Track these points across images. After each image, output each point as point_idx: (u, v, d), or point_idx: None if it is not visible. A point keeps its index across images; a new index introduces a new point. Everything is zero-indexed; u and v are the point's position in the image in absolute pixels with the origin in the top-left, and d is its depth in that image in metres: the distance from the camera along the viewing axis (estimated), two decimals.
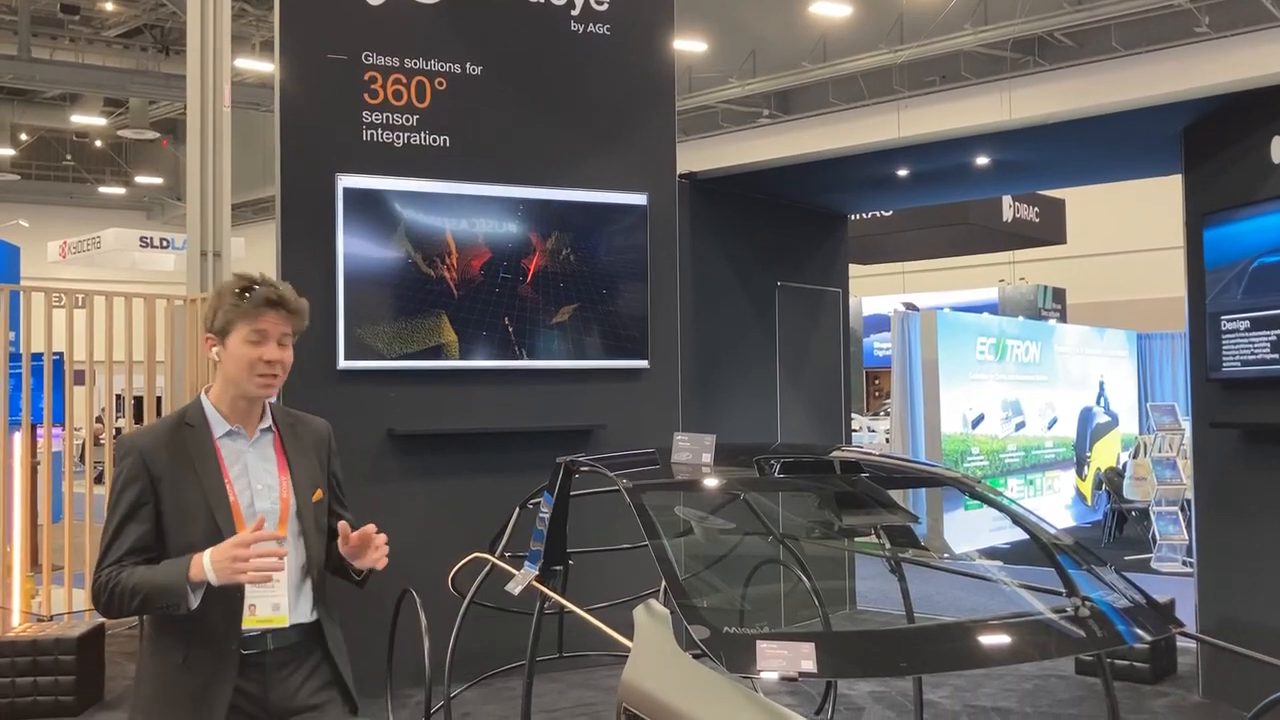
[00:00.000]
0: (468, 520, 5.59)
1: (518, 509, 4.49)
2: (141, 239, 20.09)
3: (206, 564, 2.41)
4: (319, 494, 2.71)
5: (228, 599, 2.50)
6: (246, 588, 2.50)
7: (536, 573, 3.63)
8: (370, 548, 2.62)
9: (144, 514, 2.53)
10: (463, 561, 4.45)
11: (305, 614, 2.63)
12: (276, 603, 2.56)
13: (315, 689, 2.63)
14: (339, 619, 2.72)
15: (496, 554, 4.29)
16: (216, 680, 2.51)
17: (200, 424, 2.62)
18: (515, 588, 3.69)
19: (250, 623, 2.54)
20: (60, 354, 7.82)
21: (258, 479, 2.62)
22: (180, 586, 2.43)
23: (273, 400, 2.73)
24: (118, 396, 16.74)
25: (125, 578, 2.46)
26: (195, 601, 2.44)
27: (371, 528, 2.61)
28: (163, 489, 2.54)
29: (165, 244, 19.68)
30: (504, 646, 4.95)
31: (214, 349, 2.63)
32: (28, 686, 5.65)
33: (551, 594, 3.59)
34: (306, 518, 2.66)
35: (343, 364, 6.02)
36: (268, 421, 2.69)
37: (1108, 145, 6.77)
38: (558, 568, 3.79)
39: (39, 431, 8.57)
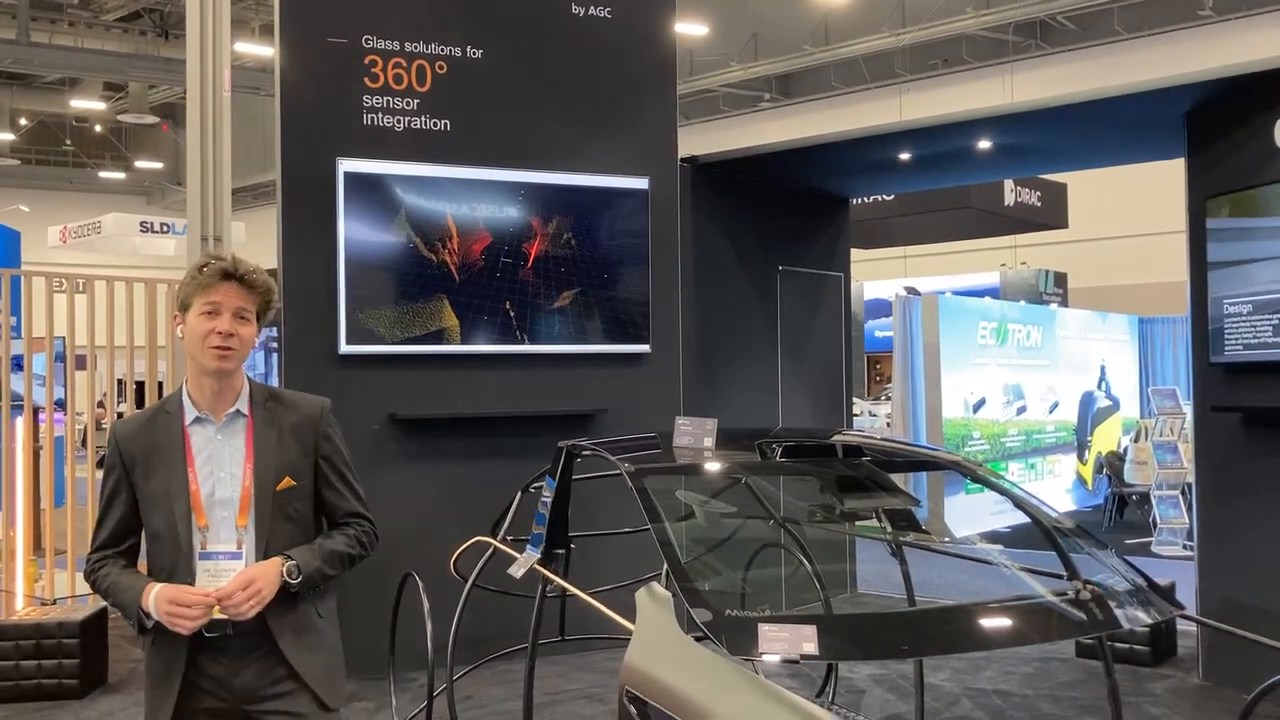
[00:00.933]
0: (470, 504, 5.60)
1: (520, 493, 4.49)
2: (142, 224, 20.07)
3: (151, 603, 2.51)
4: (287, 482, 2.65)
5: (181, 584, 2.55)
6: (198, 575, 2.55)
7: (539, 556, 3.64)
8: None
9: (120, 501, 2.62)
10: (465, 545, 4.46)
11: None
12: None
13: (274, 680, 2.62)
14: (316, 609, 2.68)
15: (498, 538, 4.30)
16: (174, 662, 2.57)
17: (175, 410, 2.64)
18: (517, 571, 3.70)
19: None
20: (61, 339, 7.82)
21: (222, 466, 2.61)
22: (133, 611, 2.55)
23: (258, 382, 2.74)
24: (119, 381, 16.75)
25: (102, 577, 2.62)
26: (149, 623, 2.54)
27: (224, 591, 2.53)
28: (135, 477, 2.60)
29: (165, 229, 19.66)
30: (506, 630, 4.96)
31: (179, 328, 2.63)
32: (31, 670, 5.67)
33: (553, 577, 3.60)
34: (265, 506, 2.62)
35: (344, 348, 6.02)
36: (241, 405, 2.66)
37: (1110, 129, 6.75)
38: (560, 551, 3.80)
39: (41, 416, 8.59)
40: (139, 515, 2.63)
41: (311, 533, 2.73)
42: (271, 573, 2.56)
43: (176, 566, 2.58)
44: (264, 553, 2.61)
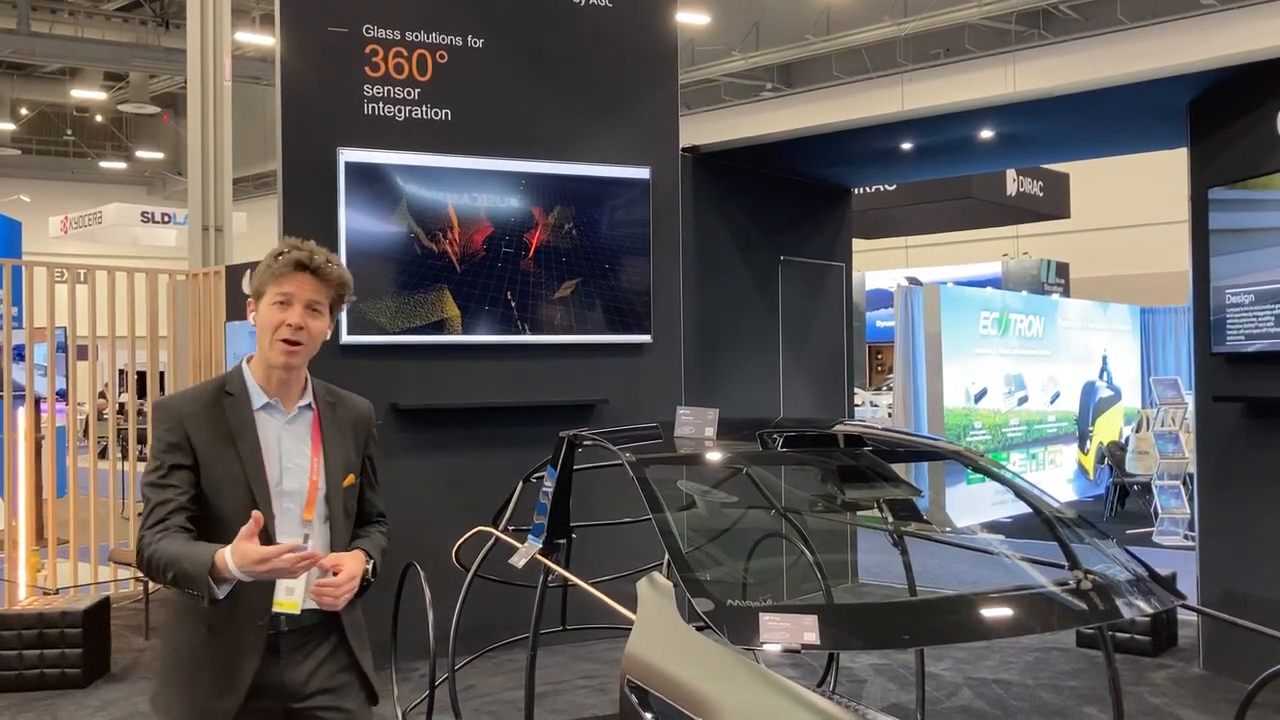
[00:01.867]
0: (471, 494, 5.61)
1: (521, 483, 4.50)
2: (143, 214, 20.04)
3: (229, 559, 2.28)
4: (350, 479, 2.63)
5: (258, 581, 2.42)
6: None
7: (540, 546, 3.64)
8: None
9: (180, 478, 2.45)
10: (466, 535, 4.46)
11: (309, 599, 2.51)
12: (291, 587, 2.48)
13: (331, 673, 2.57)
14: (360, 605, 2.63)
15: (500, 528, 4.31)
16: (241, 655, 2.46)
17: (240, 393, 2.53)
18: (519, 561, 3.70)
19: (276, 605, 2.47)
20: (63, 329, 7.82)
21: (290, 458, 2.54)
22: (204, 579, 2.32)
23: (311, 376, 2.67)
24: (120, 372, 16.75)
25: (164, 549, 2.36)
26: (222, 593, 2.35)
27: (330, 561, 2.45)
28: (202, 457, 2.47)
29: (167, 219, 19.64)
30: (508, 619, 4.98)
31: (252, 314, 2.56)
32: (34, 660, 5.69)
33: (555, 567, 3.61)
34: (334, 502, 2.58)
35: (345, 339, 6.02)
36: (308, 399, 2.61)
37: (1112, 119, 6.73)
38: (561, 541, 3.80)
39: (43, 406, 8.59)
40: (197, 498, 2.48)
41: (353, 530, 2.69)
42: (358, 564, 2.50)
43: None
44: (330, 549, 2.55)
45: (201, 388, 2.58)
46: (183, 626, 2.51)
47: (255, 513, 2.32)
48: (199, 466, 2.46)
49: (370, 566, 2.56)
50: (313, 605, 2.49)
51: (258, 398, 2.54)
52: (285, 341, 2.50)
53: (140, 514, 2.49)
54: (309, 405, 2.60)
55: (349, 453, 2.64)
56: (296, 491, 2.53)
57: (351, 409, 2.71)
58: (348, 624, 2.59)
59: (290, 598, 2.47)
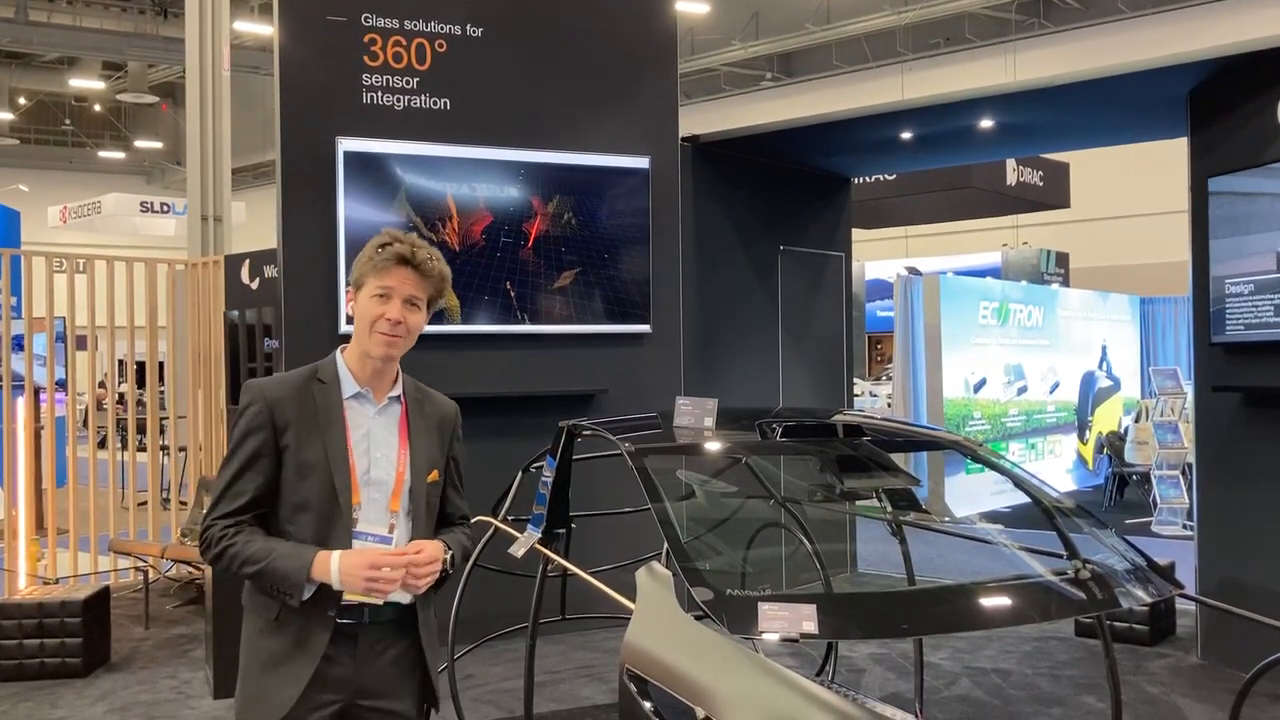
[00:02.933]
0: (470, 484, 5.59)
1: (521, 473, 4.50)
2: (142, 204, 20.03)
3: (334, 570, 2.36)
4: (434, 475, 2.61)
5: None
6: None
7: (539, 536, 3.65)
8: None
9: (262, 465, 2.44)
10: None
11: (404, 595, 2.51)
12: None
13: (400, 675, 2.53)
14: (433, 607, 2.62)
15: (500, 518, 4.31)
16: (306, 644, 2.42)
17: (332, 381, 2.53)
18: (518, 551, 3.70)
19: (350, 594, 2.44)
20: (62, 319, 7.82)
21: (378, 447, 2.52)
22: (298, 581, 2.36)
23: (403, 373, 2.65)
24: (120, 361, 16.75)
25: (242, 545, 2.39)
26: (307, 594, 2.38)
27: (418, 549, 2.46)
28: (285, 442, 2.45)
29: (166, 209, 19.63)
30: (507, 609, 4.98)
31: (350, 304, 2.58)
32: (34, 649, 5.69)
33: (554, 557, 3.61)
34: (419, 497, 2.56)
35: (345, 328, 6.01)
36: (398, 390, 2.60)
37: (1112, 108, 6.72)
38: (560, 531, 3.80)
39: (42, 396, 8.59)
40: (274, 486, 2.46)
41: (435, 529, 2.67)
42: (438, 550, 2.50)
43: (327, 540, 2.43)
44: (410, 541, 2.53)
45: (295, 373, 2.57)
46: (253, 614, 2.49)
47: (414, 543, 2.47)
48: (281, 453, 2.45)
49: (449, 557, 2.54)
50: (399, 600, 2.49)
51: (349, 386, 2.53)
52: (384, 334, 2.50)
53: (208, 491, 2.47)
54: (398, 398, 2.59)
55: (433, 450, 2.62)
56: (384, 481, 2.51)
57: (438, 407, 2.69)
58: (422, 623, 2.57)
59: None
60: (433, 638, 2.62)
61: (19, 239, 11.65)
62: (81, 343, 7.92)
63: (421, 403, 2.65)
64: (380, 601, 2.46)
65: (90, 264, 7.80)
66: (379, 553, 2.42)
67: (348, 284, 2.59)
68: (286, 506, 2.46)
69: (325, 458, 2.45)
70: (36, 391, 8.05)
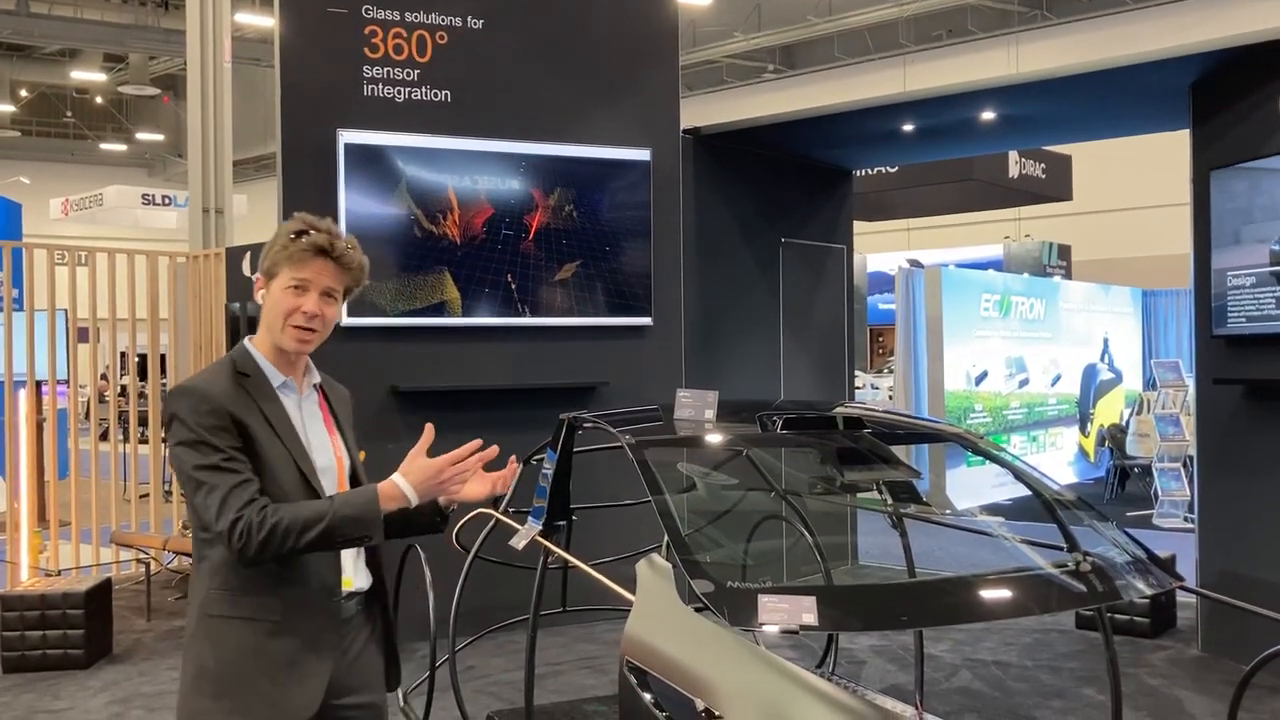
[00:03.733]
0: None
1: (521, 465, 4.50)
2: (143, 196, 20.01)
3: (406, 487, 2.30)
4: (363, 455, 2.59)
5: (326, 555, 2.34)
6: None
7: (540, 528, 3.65)
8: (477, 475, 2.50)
9: (243, 458, 2.29)
10: (467, 517, 4.46)
11: (364, 581, 2.49)
12: (343, 566, 2.44)
13: (366, 662, 2.50)
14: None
15: (500, 510, 4.31)
16: (318, 641, 2.33)
17: (256, 374, 2.40)
18: (519, 543, 3.70)
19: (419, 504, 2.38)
20: (64, 311, 7.82)
21: (314, 435, 2.45)
22: (374, 515, 2.27)
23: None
24: (121, 354, 16.76)
25: (292, 512, 2.22)
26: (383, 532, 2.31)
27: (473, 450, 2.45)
28: (249, 437, 2.31)
29: (167, 201, 19.62)
30: (508, 601, 4.99)
31: (260, 292, 2.43)
32: (36, 640, 5.70)
33: (555, 549, 3.61)
34: (359, 477, 2.53)
35: (345, 320, 6.01)
36: (315, 377, 2.54)
37: (1115, 100, 6.71)
38: (561, 523, 3.80)
39: (44, 389, 8.60)
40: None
41: None
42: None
43: (345, 548, 2.38)
44: None
45: (214, 371, 2.41)
46: (239, 624, 2.30)
47: (428, 425, 2.41)
48: (251, 449, 2.31)
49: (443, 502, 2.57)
50: (361, 587, 2.48)
51: (274, 376, 2.43)
52: (299, 328, 2.39)
53: (200, 503, 2.25)
54: (318, 384, 2.54)
55: (351, 432, 2.62)
56: (328, 469, 2.46)
57: (339, 391, 2.64)
58: (385, 601, 2.56)
59: (345, 575, 2.43)
60: (391, 612, 2.60)
61: (21, 231, 11.65)
62: (83, 335, 7.92)
63: (333, 387, 2.61)
64: (354, 585, 2.44)
65: (92, 256, 7.81)
66: (443, 457, 2.37)
67: (259, 272, 2.44)
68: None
69: (286, 451, 2.35)
70: (38, 384, 8.05)
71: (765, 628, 2.42)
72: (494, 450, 2.48)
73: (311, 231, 2.40)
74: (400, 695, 4.85)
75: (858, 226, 9.16)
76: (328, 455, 2.46)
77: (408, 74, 6.21)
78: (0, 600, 5.76)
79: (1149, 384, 12.89)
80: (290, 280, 2.37)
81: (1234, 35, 5.60)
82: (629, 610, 2.76)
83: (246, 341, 2.46)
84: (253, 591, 2.30)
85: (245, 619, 2.30)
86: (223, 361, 2.44)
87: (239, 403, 2.33)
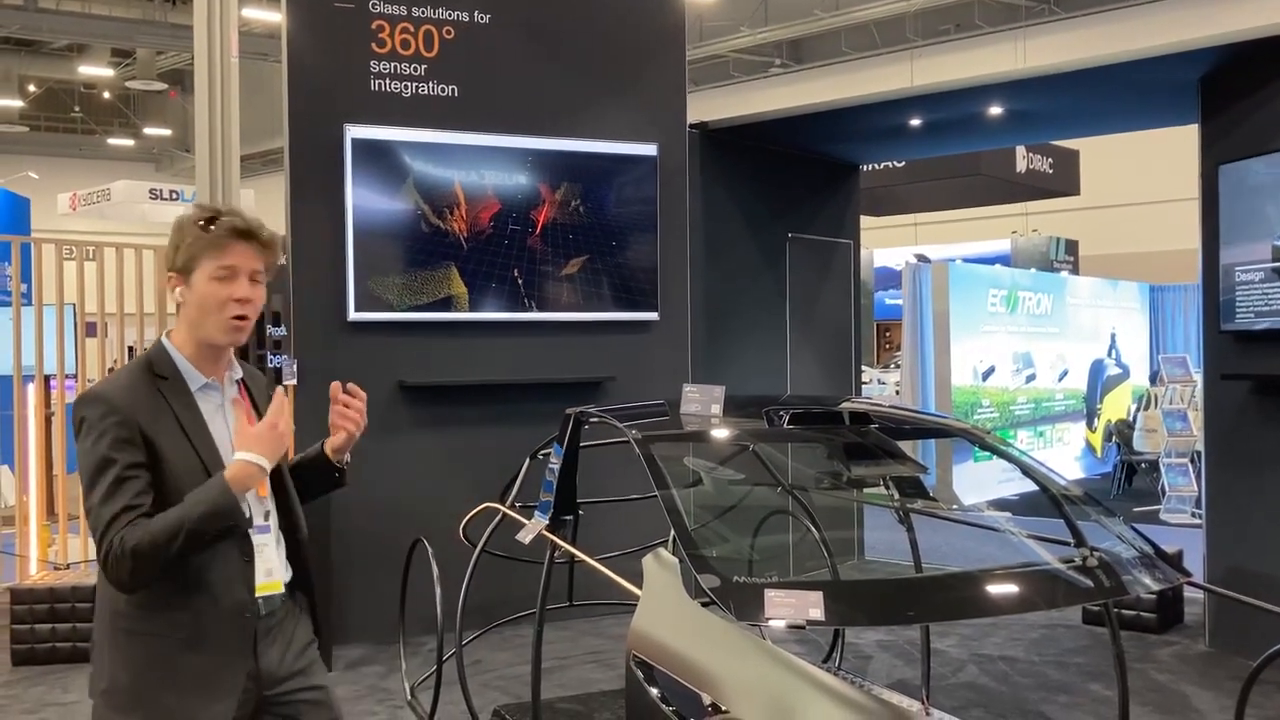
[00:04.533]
0: (478, 471, 5.62)
1: (528, 460, 4.50)
2: (151, 191, 20.03)
3: (250, 457, 2.24)
4: (289, 450, 2.52)
5: (239, 562, 2.30)
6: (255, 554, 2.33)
7: (547, 522, 3.65)
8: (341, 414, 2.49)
9: (142, 475, 2.23)
10: (474, 511, 4.48)
11: (286, 575, 2.45)
12: (270, 568, 2.39)
13: (300, 648, 2.46)
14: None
15: (507, 504, 4.32)
16: (230, 655, 2.29)
17: (174, 376, 2.33)
18: (526, 537, 3.71)
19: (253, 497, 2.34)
20: (72, 306, 7.84)
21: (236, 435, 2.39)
22: (230, 502, 2.21)
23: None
24: (130, 348, 16.80)
25: (148, 530, 2.16)
26: (248, 511, 2.27)
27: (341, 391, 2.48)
28: (156, 450, 2.25)
29: (175, 196, 19.63)
30: (514, 595, 4.99)
31: (177, 289, 2.33)
32: (45, 634, 5.73)
33: (561, 543, 3.62)
34: (283, 472, 2.48)
35: (353, 315, 6.03)
36: (238, 371, 2.46)
37: (1123, 95, 6.69)
38: (568, 517, 3.81)
39: (52, 383, 8.62)
40: (157, 495, 2.25)
41: None
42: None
43: (221, 543, 2.28)
44: (288, 520, 2.48)
45: (129, 374, 2.33)
46: (148, 639, 2.27)
47: (334, 384, 2.49)
48: (154, 461, 2.24)
49: (339, 460, 2.57)
50: (279, 579, 2.41)
51: (194, 379, 2.35)
52: (235, 318, 2.31)
53: (91, 521, 2.22)
54: (240, 378, 2.46)
55: None
56: None
57: (259, 379, 2.59)
58: (311, 588, 2.52)
59: (270, 578, 2.39)
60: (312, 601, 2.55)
61: (29, 226, 11.68)
62: (91, 329, 7.94)
63: (253, 378, 2.54)
64: (282, 585, 2.40)
65: (100, 251, 7.82)
66: (269, 419, 2.31)
67: (171, 270, 2.34)
68: None
69: (199, 459, 2.28)
70: (47, 379, 8.06)
71: (771, 622, 2.43)
72: (335, 387, 2.50)
73: (222, 215, 2.31)
74: (408, 689, 4.87)
75: (864, 221, 9.15)
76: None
77: (415, 69, 6.22)
78: (9, 594, 5.79)
79: (1156, 379, 12.86)
80: (216, 270, 2.29)
81: (1243, 29, 5.58)
82: (635, 605, 2.76)
83: (164, 339, 2.38)
84: (163, 607, 2.25)
85: (156, 634, 2.26)
86: (138, 362, 2.37)
87: (150, 409, 2.27)
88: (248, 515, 2.28)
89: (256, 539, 2.36)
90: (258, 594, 2.35)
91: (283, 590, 2.42)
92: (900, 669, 5.57)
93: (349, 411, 2.52)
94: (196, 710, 2.26)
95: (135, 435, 2.23)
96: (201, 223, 2.30)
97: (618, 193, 6.59)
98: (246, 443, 2.28)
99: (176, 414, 2.29)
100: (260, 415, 2.44)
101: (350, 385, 2.53)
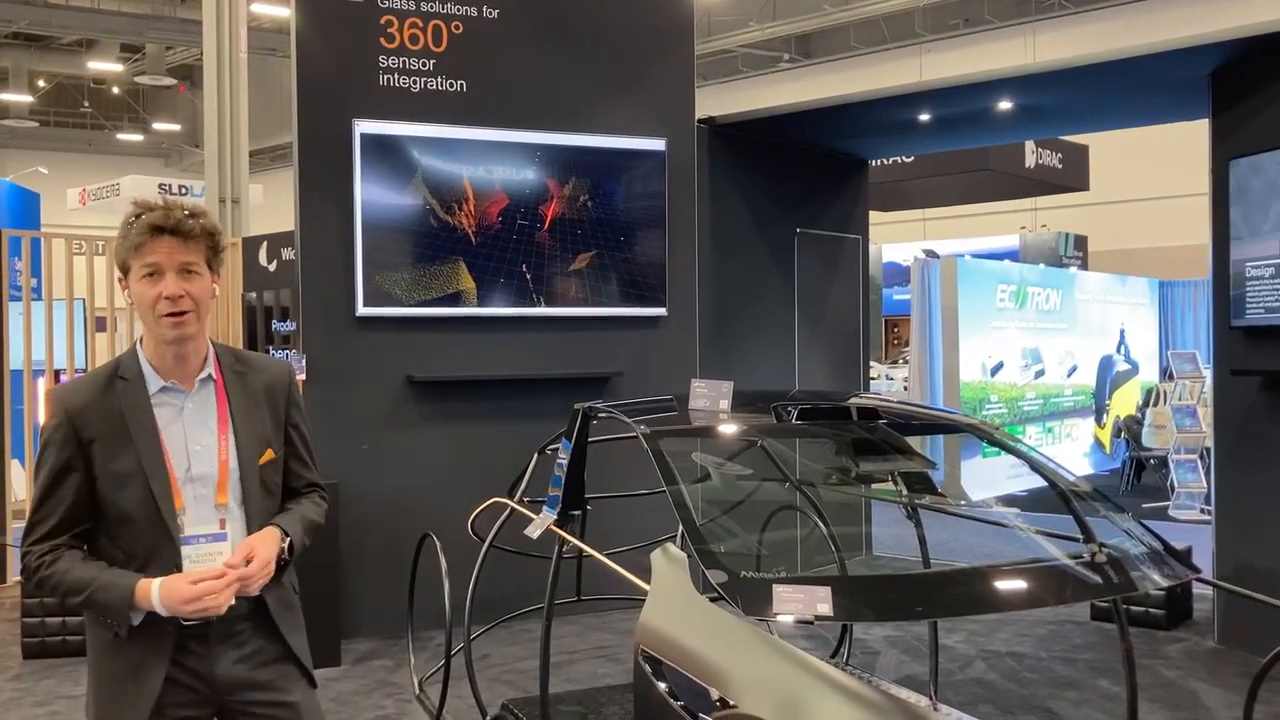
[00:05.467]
0: (487, 466, 5.63)
1: (536, 455, 4.51)
2: (160, 186, 20.06)
3: (155, 598, 2.24)
4: (269, 454, 2.43)
5: (167, 572, 2.29)
6: (184, 561, 2.31)
7: (555, 517, 3.66)
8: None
9: (72, 481, 2.28)
10: (482, 506, 4.48)
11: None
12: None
13: (264, 664, 2.42)
14: (290, 582, 2.50)
15: (515, 499, 4.33)
16: (151, 655, 2.31)
17: (135, 378, 2.33)
18: (534, 532, 3.72)
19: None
20: (82, 300, 7.86)
21: (195, 439, 2.35)
22: (122, 611, 2.26)
23: (215, 343, 2.49)
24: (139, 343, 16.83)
25: (61, 574, 2.27)
26: (136, 621, 2.28)
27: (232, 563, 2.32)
28: (94, 453, 2.27)
29: (184, 191, 19.67)
30: (523, 590, 5.01)
31: (125, 291, 2.33)
32: (56, 626, 5.75)
33: (570, 538, 3.62)
34: (250, 482, 2.39)
35: (361, 310, 6.04)
36: (208, 370, 2.39)
37: (1133, 90, 6.67)
38: (576, 513, 3.81)
39: (63, 377, 8.64)
40: (93, 498, 2.30)
41: (279, 506, 2.51)
42: (272, 545, 2.36)
43: (156, 552, 2.30)
44: (248, 532, 2.39)
45: (97, 374, 2.37)
46: (97, 630, 2.39)
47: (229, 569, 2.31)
48: (90, 465, 2.28)
49: (287, 545, 2.41)
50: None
51: (153, 382, 2.34)
52: (169, 316, 2.28)
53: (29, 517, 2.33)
54: (209, 378, 2.39)
55: (264, 425, 2.44)
56: (207, 476, 2.35)
57: (265, 374, 2.48)
58: (274, 608, 2.43)
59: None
60: (293, 617, 2.49)
61: (39, 221, 11.72)
62: (101, 324, 7.96)
63: (243, 375, 2.44)
64: (217, 616, 2.33)
65: (109, 246, 7.84)
66: (199, 575, 2.26)
67: (119, 271, 2.33)
68: (108, 520, 2.31)
69: (140, 465, 2.28)
70: (57, 374, 8.09)
71: (780, 618, 2.43)
72: (250, 570, 2.32)
73: (145, 212, 2.28)
74: (416, 683, 4.88)
75: (873, 216, 9.13)
76: (211, 461, 2.36)
77: (423, 64, 6.22)
78: (20, 587, 5.81)
79: (1165, 375, 12.82)
80: (141, 270, 2.28)
81: (1255, 24, 5.56)
82: (644, 600, 2.76)
83: (137, 342, 2.39)
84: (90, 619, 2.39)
85: (98, 635, 2.39)
86: (109, 364, 2.39)
87: (100, 412, 2.29)
88: (134, 624, 2.28)
89: (204, 548, 2.33)
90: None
91: (224, 611, 2.33)
92: (908, 664, 5.56)
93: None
94: (121, 705, 2.33)
95: (71, 436, 2.28)
96: (130, 221, 2.29)
97: (626, 188, 6.59)
98: (168, 585, 2.25)
99: (125, 416, 2.29)
100: (233, 415, 2.39)
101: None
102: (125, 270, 2.31)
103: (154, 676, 2.31)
